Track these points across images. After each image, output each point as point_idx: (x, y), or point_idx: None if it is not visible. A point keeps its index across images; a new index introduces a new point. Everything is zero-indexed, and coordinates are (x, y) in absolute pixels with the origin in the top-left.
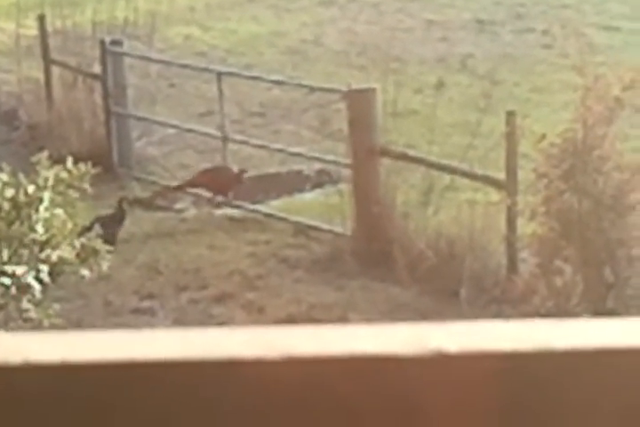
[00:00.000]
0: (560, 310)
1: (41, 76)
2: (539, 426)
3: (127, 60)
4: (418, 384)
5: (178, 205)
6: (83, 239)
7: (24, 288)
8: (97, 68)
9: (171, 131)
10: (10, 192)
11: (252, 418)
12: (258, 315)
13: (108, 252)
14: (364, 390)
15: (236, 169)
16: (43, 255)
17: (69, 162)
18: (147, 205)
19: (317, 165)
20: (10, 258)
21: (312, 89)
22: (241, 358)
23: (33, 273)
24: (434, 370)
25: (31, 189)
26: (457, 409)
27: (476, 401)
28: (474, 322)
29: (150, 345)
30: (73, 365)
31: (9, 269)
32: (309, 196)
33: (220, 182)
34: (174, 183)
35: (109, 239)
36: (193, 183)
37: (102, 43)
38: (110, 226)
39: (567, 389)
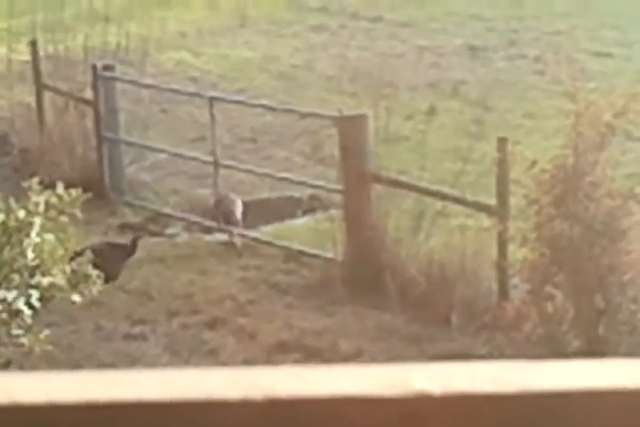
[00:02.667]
0: (551, 336)
1: (33, 100)
2: None
3: (119, 86)
4: (402, 426)
5: (169, 231)
6: (74, 264)
7: (14, 314)
8: (89, 94)
9: (162, 156)
10: (0, 217)
11: None
12: (249, 341)
13: (99, 277)
14: None
15: (232, 196)
16: (33, 281)
17: (60, 187)
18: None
19: (309, 191)
20: (0, 283)
21: (303, 115)
22: (224, 398)
23: (23, 298)
24: (418, 411)
25: (22, 214)
26: None
27: None
28: (454, 363)
29: (134, 386)
30: (58, 405)
31: None
32: (301, 221)
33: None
34: (166, 209)
35: (114, 271)
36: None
37: (94, 68)
38: (118, 257)
39: None
